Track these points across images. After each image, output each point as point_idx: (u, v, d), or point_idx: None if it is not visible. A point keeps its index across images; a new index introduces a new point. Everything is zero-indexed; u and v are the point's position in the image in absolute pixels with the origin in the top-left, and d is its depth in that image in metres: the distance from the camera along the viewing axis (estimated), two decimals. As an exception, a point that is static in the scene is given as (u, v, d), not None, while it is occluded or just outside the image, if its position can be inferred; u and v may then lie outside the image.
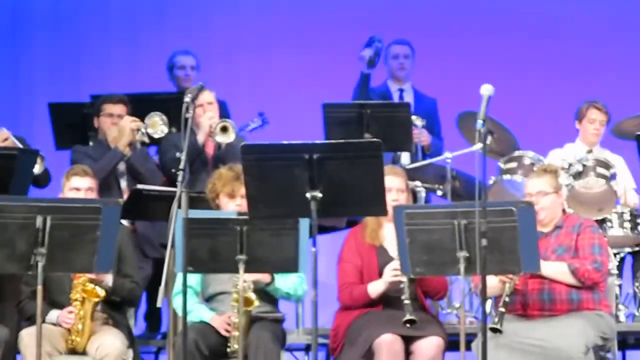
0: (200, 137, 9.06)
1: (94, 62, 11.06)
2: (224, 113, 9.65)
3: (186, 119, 7.23)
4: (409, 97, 10.10)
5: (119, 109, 9.27)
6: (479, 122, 7.08)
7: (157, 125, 8.94)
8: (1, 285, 8.09)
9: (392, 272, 7.60)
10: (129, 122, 9.04)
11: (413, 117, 9.37)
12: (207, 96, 9.21)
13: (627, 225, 8.96)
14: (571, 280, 7.58)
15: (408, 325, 7.49)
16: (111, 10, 11.42)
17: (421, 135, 9.57)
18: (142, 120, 9.04)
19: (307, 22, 11.11)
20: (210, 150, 9.09)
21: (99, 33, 11.33)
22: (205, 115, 9.10)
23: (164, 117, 8.84)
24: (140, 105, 9.34)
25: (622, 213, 9.00)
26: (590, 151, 9.27)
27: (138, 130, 9.02)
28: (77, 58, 11.20)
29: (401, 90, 10.23)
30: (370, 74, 9.43)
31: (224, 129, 8.95)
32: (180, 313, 7.29)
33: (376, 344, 7.48)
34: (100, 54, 11.16)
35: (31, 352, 7.13)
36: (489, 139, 8.48)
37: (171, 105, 8.70)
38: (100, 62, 11.02)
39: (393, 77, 10.29)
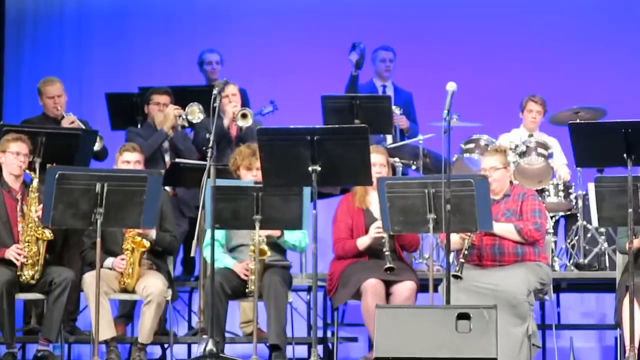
0: (226, 122, 9.04)
1: (141, 59, 10.93)
2: (244, 99, 9.64)
3: (214, 108, 7.34)
4: (390, 92, 10.05)
5: (164, 98, 9.30)
6: (444, 112, 7.32)
7: (195, 112, 8.93)
8: (67, 238, 8.13)
9: (375, 230, 7.73)
10: (173, 110, 9.07)
11: (393, 107, 9.39)
12: (231, 89, 9.16)
13: (561, 194, 9.05)
14: (517, 237, 7.64)
15: (388, 272, 7.58)
16: (153, 16, 11.33)
17: (400, 120, 9.63)
18: (183, 108, 9.05)
19: (312, 27, 10.95)
20: (233, 132, 9.08)
21: (144, 35, 11.15)
22: (230, 104, 9.05)
23: (201, 107, 8.88)
24: (180, 96, 9.36)
25: (557, 184, 9.09)
26: (531, 135, 9.31)
27: (180, 116, 9.02)
28: (128, 56, 11.05)
29: (384, 87, 10.16)
30: (358, 74, 9.49)
31: (244, 116, 8.91)
32: (209, 260, 7.40)
33: (363, 287, 7.62)
34: (146, 52, 11.02)
35: (92, 290, 7.26)
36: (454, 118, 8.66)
37: (203, 95, 8.69)
38: (146, 59, 10.87)
39: (379, 76, 10.22)
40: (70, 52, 11.27)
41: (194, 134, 8.69)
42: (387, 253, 7.65)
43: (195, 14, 11.23)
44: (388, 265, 7.60)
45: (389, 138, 9.49)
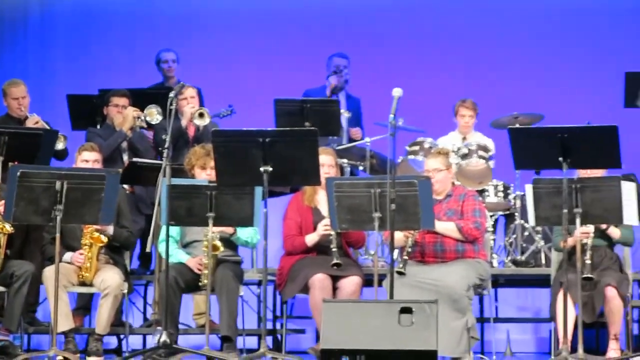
0: (184, 122, 8.98)
1: (100, 62, 10.96)
2: (199, 98, 9.54)
3: (170, 110, 7.37)
4: (342, 98, 9.98)
5: (123, 100, 9.23)
6: (390, 116, 7.34)
7: (154, 114, 8.89)
8: (28, 233, 8.11)
9: (323, 227, 7.73)
10: (131, 111, 9.02)
11: (342, 111, 9.44)
12: (190, 91, 9.14)
13: (500, 194, 9.09)
14: (458, 235, 7.66)
15: (335, 267, 7.59)
16: (113, 20, 11.34)
17: (357, 134, 9.64)
18: (141, 110, 9.02)
19: (268, 35, 11.01)
20: (191, 132, 9.00)
21: (104, 38, 11.19)
22: (187, 105, 9.03)
23: (159, 108, 8.86)
24: (138, 98, 9.31)
25: (497, 185, 9.13)
26: (464, 138, 9.37)
27: (138, 117, 8.98)
28: (88, 58, 11.08)
29: (335, 89, 10.01)
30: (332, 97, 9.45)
31: (201, 115, 8.84)
32: (163, 255, 7.38)
33: (311, 281, 7.64)
34: (106, 55, 10.98)
35: (51, 284, 7.21)
36: (400, 121, 8.65)
37: (160, 97, 8.69)
38: (105, 62, 10.90)
39: (333, 82, 10.03)
40: (34, 55, 11.24)
41: (154, 134, 8.63)
42: (334, 249, 7.65)
43: (154, 17, 11.21)
44: (335, 261, 7.61)
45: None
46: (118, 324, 8.20)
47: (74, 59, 11.15)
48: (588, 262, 7.47)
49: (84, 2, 11.39)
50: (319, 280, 7.64)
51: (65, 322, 7.54)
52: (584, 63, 10.40)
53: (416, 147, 9.23)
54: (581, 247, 7.33)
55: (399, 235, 7.49)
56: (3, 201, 7.38)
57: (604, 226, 7.61)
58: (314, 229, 7.89)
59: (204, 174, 7.93)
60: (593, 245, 7.57)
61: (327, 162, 7.86)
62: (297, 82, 10.28)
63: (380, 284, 7.40)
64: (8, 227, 7.56)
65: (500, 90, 10.28)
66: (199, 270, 7.70)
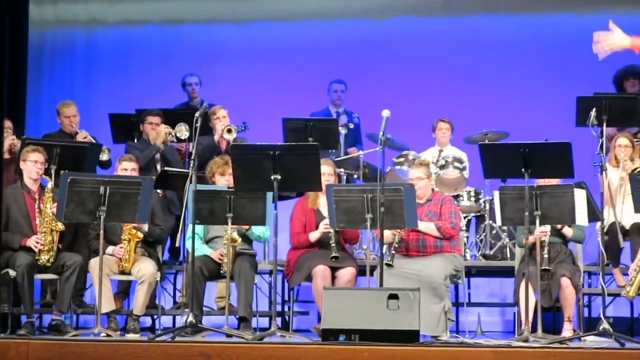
0: (216, 137, 8.94)
1: (136, 85, 10.84)
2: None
3: (195, 128, 7.33)
4: (343, 116, 9.95)
5: (156, 119, 9.22)
6: (380, 133, 7.37)
7: (183, 131, 8.90)
8: (77, 230, 8.09)
9: (324, 226, 7.73)
10: (164, 128, 9.02)
11: (340, 127, 9.35)
12: (222, 112, 9.08)
13: (472, 199, 9.08)
14: (437, 233, 7.66)
15: (334, 260, 7.62)
16: (147, 49, 11.28)
17: (354, 152, 9.58)
18: (172, 127, 9.03)
19: (278, 62, 10.93)
20: (223, 145, 8.89)
21: (139, 64, 11.07)
22: (219, 123, 9.00)
23: (187, 126, 8.86)
24: (169, 116, 9.32)
25: (469, 191, 9.12)
26: (441, 151, 9.33)
27: (169, 133, 8.98)
28: (127, 82, 10.97)
29: (338, 113, 10.07)
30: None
31: (229, 131, 8.79)
32: (190, 249, 7.41)
33: (314, 271, 7.67)
34: (141, 79, 10.97)
35: (96, 272, 7.29)
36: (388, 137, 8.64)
37: (187, 116, 8.67)
38: (140, 85, 10.79)
39: (333, 104, 10.17)
40: (81, 79, 11.21)
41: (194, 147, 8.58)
42: (333, 245, 7.68)
43: (181, 47, 11.17)
44: (334, 254, 7.64)
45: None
46: (152, 306, 8.19)
47: (115, 82, 11.14)
48: (546, 256, 7.50)
49: (122, 33, 11.37)
50: (320, 271, 7.66)
51: (107, 304, 7.54)
52: (543, 88, 10.37)
53: (402, 159, 9.20)
54: (540, 244, 7.38)
55: (387, 233, 7.49)
56: (56, 203, 7.44)
57: (559, 226, 7.63)
58: (316, 227, 7.88)
59: (223, 180, 7.92)
60: (550, 242, 7.58)
61: (327, 171, 7.84)
62: (302, 103, 10.27)
63: (371, 274, 7.42)
64: (60, 225, 7.60)
65: (472, 110, 10.20)
66: (220, 260, 7.71)
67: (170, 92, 10.46)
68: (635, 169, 8.36)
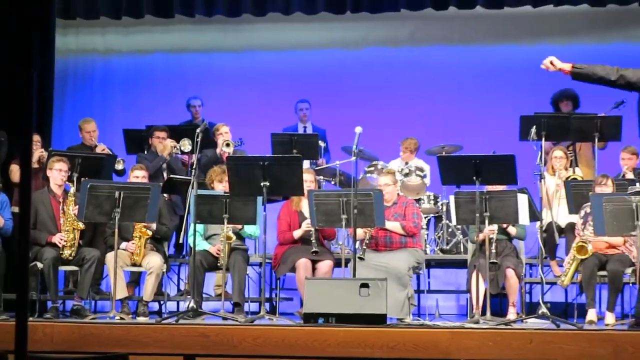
0: (218, 150, 8.91)
1: (146, 105, 10.76)
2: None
3: (197, 142, 7.44)
4: (309, 130, 9.95)
5: (163, 134, 9.19)
6: (354, 146, 7.41)
7: (186, 145, 8.88)
8: (95, 228, 8.05)
9: (306, 225, 7.76)
10: (169, 142, 9.00)
11: (321, 143, 9.32)
12: (224, 128, 9.07)
13: (432, 202, 9.06)
14: (401, 231, 7.71)
15: (314, 254, 7.64)
16: (156, 73, 11.20)
17: (322, 163, 9.51)
18: (177, 141, 9.02)
19: (265, 86, 10.82)
20: (224, 157, 8.70)
21: (149, 87, 10.98)
22: (221, 138, 8.98)
23: (190, 141, 8.82)
24: (174, 132, 9.31)
25: (429, 196, 9.09)
26: (407, 162, 9.27)
27: (174, 146, 8.98)
28: (138, 102, 10.93)
29: (305, 128, 10.03)
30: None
31: (227, 145, 8.79)
32: (192, 245, 7.44)
33: (297, 264, 7.67)
34: (150, 99, 10.89)
35: (111, 264, 7.35)
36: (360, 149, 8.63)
37: (189, 132, 8.66)
38: (150, 104, 10.71)
39: (300, 120, 10.07)
40: (99, 100, 11.14)
41: (198, 158, 8.51)
42: (313, 241, 7.69)
43: (186, 72, 11.12)
44: (314, 249, 7.65)
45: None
46: (159, 294, 8.18)
47: (127, 102, 11.07)
48: (493, 251, 7.52)
49: (134, 60, 11.31)
50: (303, 263, 7.67)
51: (121, 292, 7.55)
52: (492, 108, 10.34)
53: (372, 168, 9.19)
54: (488, 240, 7.41)
55: (359, 231, 7.51)
56: (77, 206, 7.45)
57: (504, 225, 7.66)
58: (299, 226, 7.90)
59: (221, 186, 7.91)
60: (497, 239, 7.60)
61: (308, 179, 7.82)
62: (289, 120, 10.22)
63: (346, 266, 7.49)
64: (81, 225, 7.59)
65: (432, 127, 10.17)
66: (218, 254, 7.70)
67: (174, 111, 10.39)
68: (569, 177, 8.45)
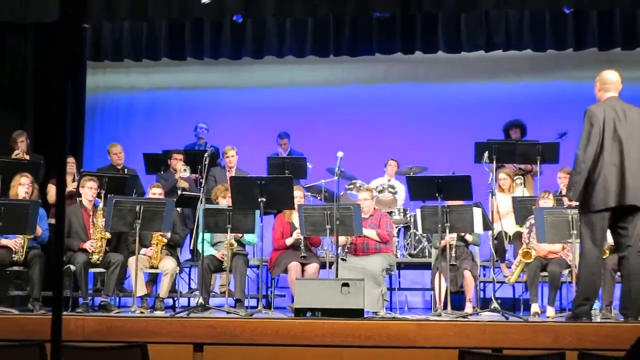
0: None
1: (163, 132, 10.71)
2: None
3: (205, 164, 7.47)
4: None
5: (180, 156, 9.18)
6: (336, 168, 7.43)
7: (186, 171, 8.93)
8: (119, 237, 8.02)
9: (296, 234, 7.76)
10: (181, 165, 8.97)
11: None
12: (232, 152, 9.04)
13: (402, 214, 9.05)
14: (377, 238, 7.70)
15: (302, 258, 7.65)
16: (170, 106, 11.16)
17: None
18: (187, 164, 9.01)
19: (259, 116, 10.74)
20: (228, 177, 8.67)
21: (164, 116, 10.99)
22: (227, 160, 9.02)
23: (188, 167, 8.90)
24: (187, 155, 9.30)
25: (400, 209, 9.09)
26: (389, 180, 9.28)
27: (184, 170, 8.94)
28: (155, 130, 10.88)
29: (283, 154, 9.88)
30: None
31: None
32: (200, 250, 7.47)
33: (289, 267, 7.66)
34: (165, 127, 10.85)
35: (133, 267, 7.35)
36: (342, 170, 8.63)
37: (198, 156, 8.64)
38: (164, 132, 10.67)
39: (281, 147, 9.95)
40: (122, 128, 11.09)
41: (206, 177, 8.43)
42: (302, 247, 7.69)
43: (196, 106, 11.06)
44: (303, 254, 7.66)
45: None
46: (173, 291, 8.09)
47: (147, 130, 11.01)
48: (453, 255, 7.56)
49: (152, 95, 11.27)
50: (293, 266, 7.67)
51: (141, 290, 7.54)
52: (452, 136, 10.34)
53: (352, 186, 9.17)
54: (449, 246, 7.47)
55: (342, 238, 7.51)
56: (104, 218, 7.44)
57: (462, 234, 7.68)
58: (291, 234, 7.89)
59: (224, 201, 7.91)
60: (456, 245, 7.63)
61: (298, 195, 7.84)
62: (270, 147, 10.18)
63: (330, 268, 7.48)
64: (107, 234, 7.60)
65: (402, 151, 10.10)
66: (222, 258, 7.70)
67: (186, 137, 10.36)
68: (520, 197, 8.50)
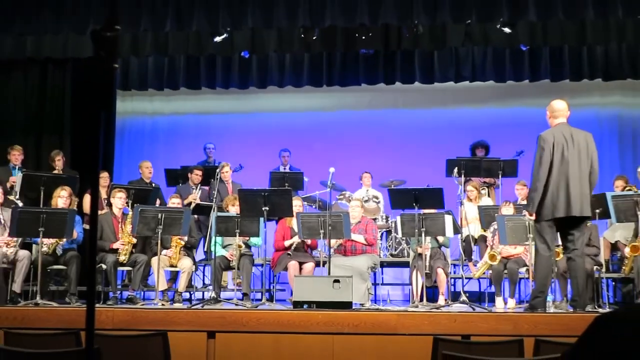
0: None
1: (181, 150, 10.67)
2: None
3: (217, 179, 7.45)
4: (288, 170, 9.77)
5: (199, 173, 9.17)
6: (328, 182, 7.42)
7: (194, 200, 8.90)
8: (145, 240, 7.94)
9: (296, 237, 7.74)
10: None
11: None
12: (227, 167, 8.94)
13: (385, 220, 9.00)
14: (363, 241, 7.68)
15: (289, 256, 7.63)
16: (185, 128, 11.18)
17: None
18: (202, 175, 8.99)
19: (261, 137, 10.75)
20: (229, 188, 8.92)
21: (182, 138, 10.98)
22: (224, 174, 8.88)
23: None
24: (204, 170, 9.25)
25: (382, 216, 9.04)
26: (367, 190, 9.24)
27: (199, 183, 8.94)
28: (175, 148, 10.85)
29: (285, 168, 9.87)
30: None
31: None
32: (213, 251, 7.46)
33: (288, 265, 7.63)
34: (182, 146, 10.81)
35: (155, 266, 7.29)
36: (333, 183, 8.62)
37: (212, 170, 8.67)
38: (183, 151, 10.71)
39: (282, 164, 9.97)
40: (147, 147, 11.05)
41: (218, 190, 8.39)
42: (292, 250, 7.70)
43: (209, 128, 11.04)
44: (288, 253, 7.68)
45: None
46: (189, 286, 8.10)
47: (167, 149, 10.99)
48: (428, 255, 7.56)
49: (172, 119, 11.24)
50: (293, 265, 7.64)
51: (162, 285, 7.50)
52: (427, 153, 10.36)
53: (341, 197, 9.16)
54: (424, 248, 7.47)
55: (333, 241, 7.49)
56: (131, 225, 7.43)
57: (436, 237, 7.70)
58: (291, 238, 7.88)
59: (234, 209, 7.88)
60: (431, 247, 7.63)
61: (297, 204, 7.84)
62: (278, 160, 10.17)
63: (323, 266, 7.43)
64: (134, 239, 7.59)
65: (384, 166, 10.14)
66: (232, 258, 7.68)
67: (196, 154, 10.34)
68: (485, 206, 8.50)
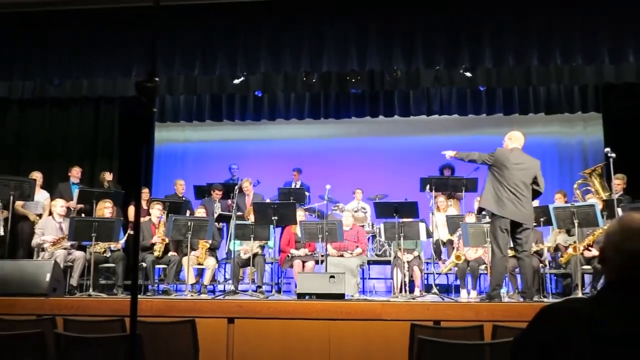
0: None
1: (208, 170, 10.59)
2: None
3: (235, 193, 7.42)
4: (299, 186, 9.64)
5: (219, 189, 9.12)
6: (325, 196, 7.38)
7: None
8: (177, 243, 7.80)
9: (298, 245, 7.74)
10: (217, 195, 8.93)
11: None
12: (247, 183, 8.91)
13: (371, 227, 8.90)
14: (354, 244, 7.67)
15: (290, 257, 7.57)
16: (211, 153, 11.13)
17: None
18: (223, 191, 8.95)
19: (275, 159, 10.76)
20: (249, 201, 8.85)
21: (209, 160, 10.89)
22: (246, 188, 8.91)
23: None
24: (224, 186, 9.21)
25: (369, 223, 8.97)
26: (358, 203, 9.20)
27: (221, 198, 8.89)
28: (202, 169, 10.79)
29: (296, 184, 9.75)
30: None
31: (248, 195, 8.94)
32: (232, 251, 7.43)
33: (293, 263, 7.58)
34: (209, 167, 10.72)
35: (186, 264, 7.24)
36: (330, 197, 8.57)
37: (231, 187, 8.67)
38: (209, 170, 10.60)
39: (294, 180, 9.84)
40: (180, 169, 10.98)
41: (237, 203, 8.34)
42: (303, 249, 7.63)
43: (230, 153, 10.99)
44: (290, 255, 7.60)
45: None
46: (213, 280, 7.98)
47: (196, 170, 10.92)
48: (407, 255, 7.52)
49: (201, 146, 11.17)
50: (297, 263, 7.60)
51: (191, 279, 7.44)
52: (404, 172, 10.28)
53: (336, 208, 9.03)
54: (403, 249, 7.42)
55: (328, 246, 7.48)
56: (165, 228, 7.38)
57: (412, 240, 7.66)
58: (295, 242, 7.83)
59: (252, 218, 7.78)
60: (407, 248, 7.57)
61: (300, 214, 7.82)
62: (285, 178, 10.08)
63: (321, 264, 7.40)
64: (167, 239, 7.55)
65: (370, 183, 10.06)
66: (245, 253, 7.59)
67: (223, 174, 10.30)
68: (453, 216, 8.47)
